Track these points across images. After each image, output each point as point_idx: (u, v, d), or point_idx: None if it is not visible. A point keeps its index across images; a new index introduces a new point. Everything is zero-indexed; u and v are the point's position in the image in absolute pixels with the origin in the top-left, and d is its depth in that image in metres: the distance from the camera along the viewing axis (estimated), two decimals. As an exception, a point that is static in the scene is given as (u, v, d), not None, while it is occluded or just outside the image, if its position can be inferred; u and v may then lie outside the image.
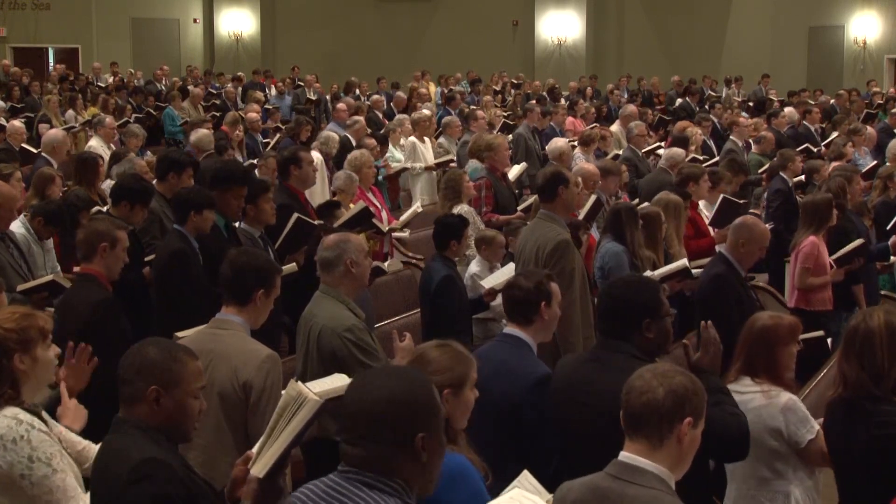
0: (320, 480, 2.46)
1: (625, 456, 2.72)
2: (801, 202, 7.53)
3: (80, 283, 5.05)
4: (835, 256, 6.91)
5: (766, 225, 6.53)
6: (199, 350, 3.96)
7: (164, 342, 3.03)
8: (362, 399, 2.40)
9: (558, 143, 10.03)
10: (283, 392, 3.89)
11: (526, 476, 3.06)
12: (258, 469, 2.77)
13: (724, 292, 5.53)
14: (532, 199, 8.22)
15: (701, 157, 10.88)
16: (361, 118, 12.55)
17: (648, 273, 6.09)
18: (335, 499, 2.38)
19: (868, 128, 12.54)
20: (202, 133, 10.24)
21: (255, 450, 2.87)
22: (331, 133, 11.11)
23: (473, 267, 6.94)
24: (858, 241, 7.08)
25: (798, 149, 11.55)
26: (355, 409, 2.40)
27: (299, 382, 2.94)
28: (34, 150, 10.54)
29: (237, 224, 6.31)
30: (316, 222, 6.78)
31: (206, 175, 7.17)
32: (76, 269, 5.27)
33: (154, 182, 7.18)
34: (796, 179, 9.68)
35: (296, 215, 6.55)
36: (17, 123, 11.78)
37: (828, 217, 6.88)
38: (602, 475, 2.74)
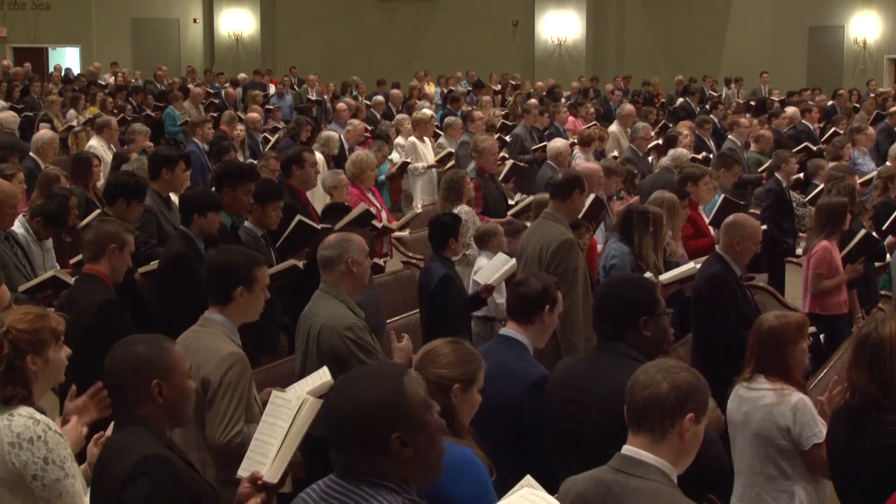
0: (322, 481, 2.46)
1: (628, 449, 2.74)
2: (816, 205, 7.39)
3: (84, 283, 5.02)
4: (843, 252, 6.88)
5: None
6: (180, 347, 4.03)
7: (144, 337, 3.03)
8: (339, 409, 2.40)
9: (557, 143, 10.03)
10: (254, 394, 3.96)
11: (528, 481, 3.06)
12: (272, 475, 2.79)
13: (720, 292, 5.52)
14: (526, 201, 8.22)
15: (700, 157, 10.88)
16: (357, 121, 12.49)
17: (649, 275, 6.08)
18: (336, 498, 2.39)
19: (870, 128, 12.51)
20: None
21: (266, 459, 2.88)
22: (331, 133, 11.11)
23: (483, 260, 6.94)
24: (863, 232, 7.05)
25: (796, 148, 11.54)
26: (333, 417, 2.41)
27: (278, 389, 2.97)
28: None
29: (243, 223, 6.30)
30: (319, 226, 6.70)
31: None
32: (82, 267, 5.25)
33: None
34: (794, 178, 9.67)
35: (298, 217, 6.53)
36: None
37: (842, 222, 6.80)
38: (605, 468, 2.77)
